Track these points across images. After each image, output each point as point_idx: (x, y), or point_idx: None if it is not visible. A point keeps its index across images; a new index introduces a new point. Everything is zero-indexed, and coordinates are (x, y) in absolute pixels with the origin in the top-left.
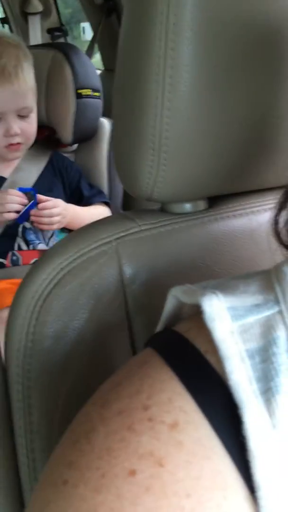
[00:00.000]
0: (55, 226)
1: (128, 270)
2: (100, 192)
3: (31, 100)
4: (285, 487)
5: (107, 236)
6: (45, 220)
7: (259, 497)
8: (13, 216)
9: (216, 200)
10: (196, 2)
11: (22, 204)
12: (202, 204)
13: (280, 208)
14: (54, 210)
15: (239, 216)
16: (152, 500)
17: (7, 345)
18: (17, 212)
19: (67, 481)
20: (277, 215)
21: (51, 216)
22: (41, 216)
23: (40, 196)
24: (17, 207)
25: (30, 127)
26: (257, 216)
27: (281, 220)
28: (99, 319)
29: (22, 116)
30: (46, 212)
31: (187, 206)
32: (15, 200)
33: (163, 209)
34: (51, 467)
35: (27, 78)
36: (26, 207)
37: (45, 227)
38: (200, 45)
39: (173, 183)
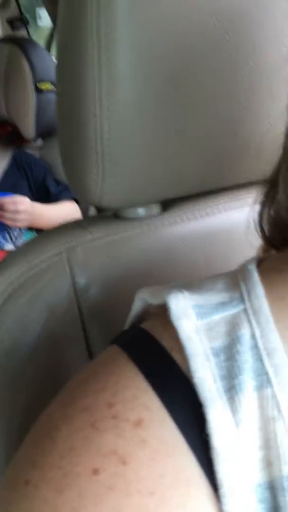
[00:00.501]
0: (19, 224)
1: (81, 280)
2: (68, 188)
3: None
4: (246, 484)
5: (58, 246)
6: (9, 215)
7: (221, 494)
8: None
9: (170, 204)
10: (127, 8)
11: None
12: (155, 208)
13: (264, 203)
14: (20, 207)
15: (194, 219)
16: (115, 499)
17: None
18: None
19: (29, 481)
20: (261, 210)
21: (15, 212)
22: (5, 211)
23: (2, 199)
24: None
25: None
26: (211, 218)
27: (265, 216)
28: (53, 332)
29: None
30: (10, 207)
31: (140, 211)
32: None
33: (117, 215)
34: (14, 468)
35: None
36: None
37: (8, 222)
38: (136, 48)
39: (122, 188)
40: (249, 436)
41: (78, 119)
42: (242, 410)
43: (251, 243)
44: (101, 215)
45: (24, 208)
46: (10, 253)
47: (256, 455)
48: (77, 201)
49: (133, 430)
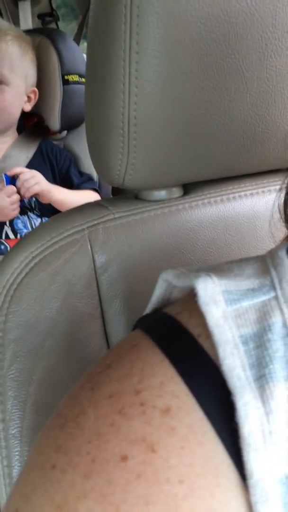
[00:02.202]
0: (33, 189)
1: (100, 258)
2: (90, 179)
3: (5, 69)
4: (276, 475)
5: (79, 225)
6: (19, 184)
7: (250, 484)
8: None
9: (191, 187)
10: None
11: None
12: (177, 191)
13: None
14: (27, 173)
15: (215, 203)
16: (144, 486)
17: None
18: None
19: (55, 466)
20: (286, 197)
21: (24, 179)
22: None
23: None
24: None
25: (1, 100)
26: (232, 203)
27: None
28: (71, 308)
29: None
30: (20, 177)
31: (162, 193)
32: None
33: (138, 197)
34: (38, 451)
35: (5, 46)
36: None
37: (24, 192)
38: (166, 29)
39: (145, 169)
40: (280, 426)
41: (106, 99)
42: (273, 399)
43: (274, 230)
44: (123, 196)
45: (31, 175)
46: (33, 229)
47: (286, 446)
48: (98, 192)
49: (161, 418)
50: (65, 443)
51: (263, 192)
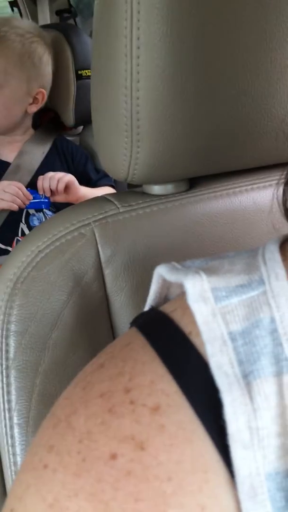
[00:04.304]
0: (59, 188)
1: (106, 252)
2: (106, 175)
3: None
4: (264, 472)
5: (86, 219)
6: (46, 183)
7: (238, 481)
8: (14, 207)
9: (197, 181)
10: None
11: (24, 202)
12: (183, 185)
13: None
14: (55, 175)
15: (221, 197)
16: (133, 484)
17: None
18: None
19: (47, 465)
20: (285, 191)
21: (52, 179)
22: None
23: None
24: (18, 201)
25: None
26: (239, 197)
27: None
28: (77, 301)
29: None
30: (47, 178)
31: (168, 188)
32: (19, 193)
33: (144, 191)
34: (32, 451)
35: (4, 48)
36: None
37: (48, 193)
38: (167, 23)
39: (150, 164)
40: (267, 423)
41: (110, 93)
42: (260, 396)
43: (276, 224)
44: (130, 191)
45: (60, 176)
46: (40, 224)
47: (274, 442)
48: (114, 188)
49: (151, 416)
50: (57, 443)
51: (270, 185)
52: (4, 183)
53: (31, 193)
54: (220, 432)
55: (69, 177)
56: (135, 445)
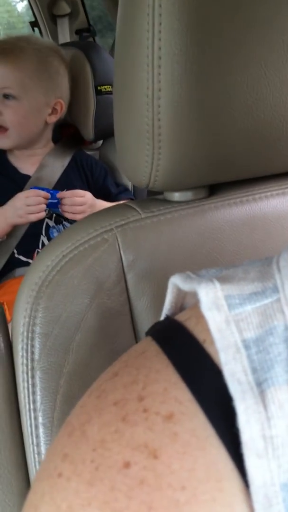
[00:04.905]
0: (78, 216)
1: (128, 257)
2: (126, 190)
3: (13, 83)
4: (278, 482)
5: (108, 225)
6: (66, 208)
7: (252, 490)
8: (43, 214)
9: (217, 188)
10: None
11: (46, 199)
12: (203, 192)
13: None
14: (77, 199)
15: (241, 204)
16: (146, 492)
17: (13, 328)
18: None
19: (62, 474)
20: None
21: (73, 204)
22: (64, 204)
23: (62, 192)
24: (43, 206)
25: (12, 114)
26: (259, 204)
27: None
28: (100, 304)
29: (6, 98)
30: (67, 200)
31: (188, 194)
32: (41, 200)
33: (165, 198)
34: (48, 459)
35: (21, 61)
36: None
37: (68, 215)
38: (187, 34)
39: (171, 171)
40: (282, 431)
41: (132, 103)
42: (274, 404)
43: None
44: (151, 198)
45: (82, 200)
46: (65, 230)
47: None
48: None
49: (164, 424)
50: (71, 451)
51: None
52: (21, 196)
53: (47, 191)
54: (234, 441)
55: (83, 214)
56: (148, 453)
